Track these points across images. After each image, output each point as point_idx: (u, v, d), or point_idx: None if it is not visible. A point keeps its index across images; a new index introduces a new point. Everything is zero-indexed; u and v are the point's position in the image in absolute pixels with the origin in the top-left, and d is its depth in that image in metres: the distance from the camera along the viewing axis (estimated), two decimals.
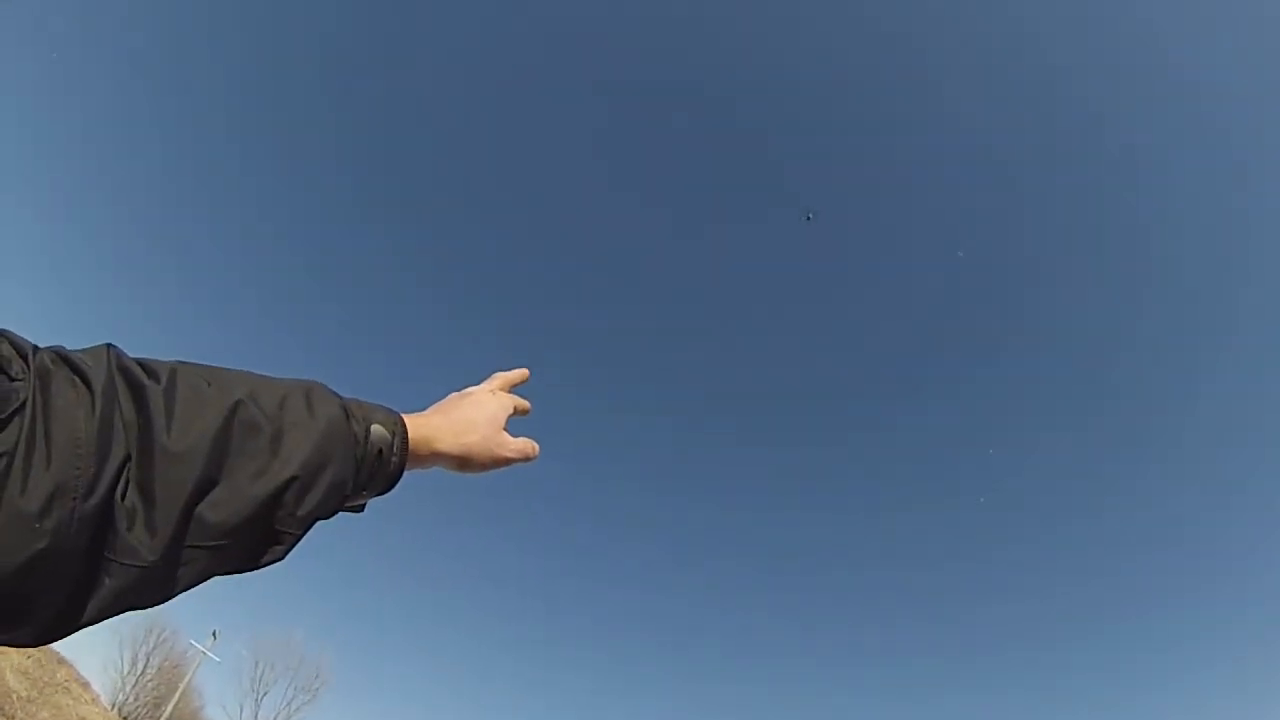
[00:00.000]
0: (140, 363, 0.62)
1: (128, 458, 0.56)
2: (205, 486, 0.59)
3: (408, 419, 0.81)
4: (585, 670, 61.12)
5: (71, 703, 25.04)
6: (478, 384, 1.01)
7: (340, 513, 0.75)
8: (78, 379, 0.56)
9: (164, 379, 0.61)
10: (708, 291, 72.22)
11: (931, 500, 68.18)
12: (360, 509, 0.81)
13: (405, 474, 0.81)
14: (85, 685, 27.83)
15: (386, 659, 56.02)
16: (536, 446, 0.97)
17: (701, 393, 72.31)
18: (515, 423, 1.00)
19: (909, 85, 63.18)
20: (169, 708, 32.88)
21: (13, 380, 0.52)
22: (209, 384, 0.64)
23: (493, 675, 57.26)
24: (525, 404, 1.03)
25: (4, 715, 20.16)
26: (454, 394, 0.97)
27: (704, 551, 68.62)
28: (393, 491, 0.81)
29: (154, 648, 37.31)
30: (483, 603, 61.95)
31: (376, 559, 58.21)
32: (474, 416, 0.91)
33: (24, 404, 0.51)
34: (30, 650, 23.03)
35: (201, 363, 0.67)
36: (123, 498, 0.56)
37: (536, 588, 64.49)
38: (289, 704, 38.73)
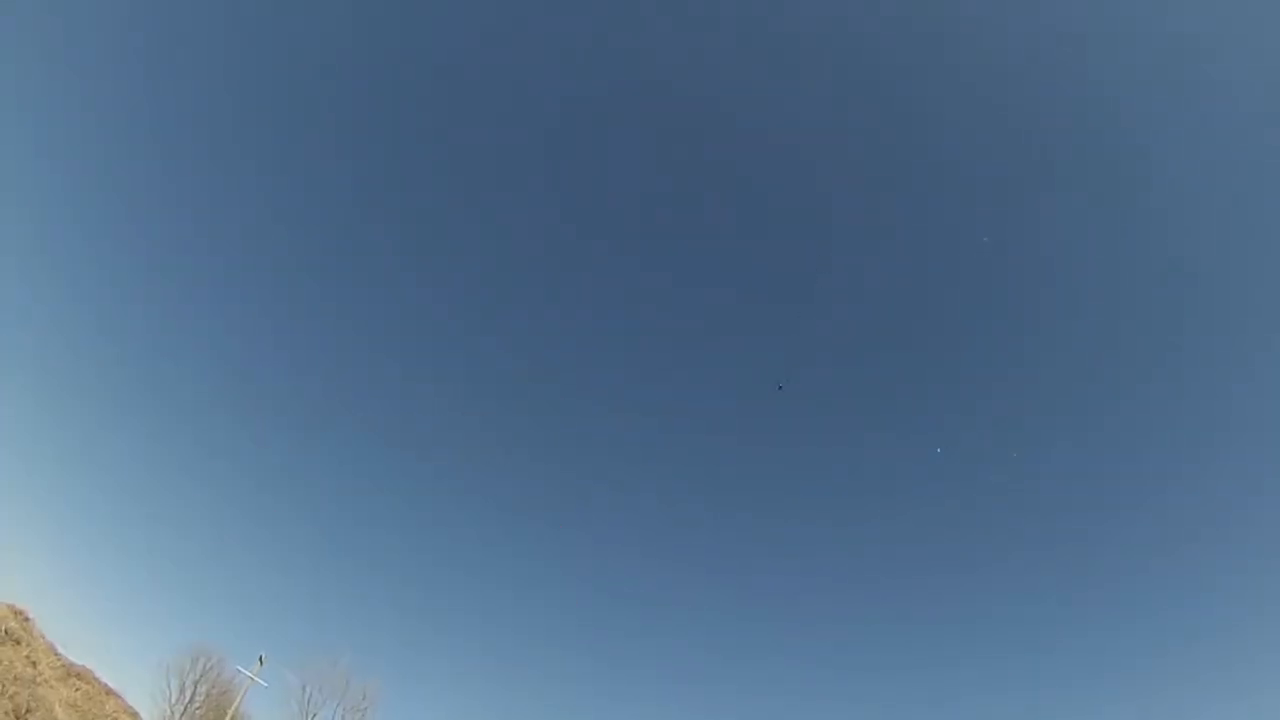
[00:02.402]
0: None
1: None
2: None
3: None
4: (605, 670, 60.50)
5: None
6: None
7: None
8: None
9: None
10: (706, 291, 71.40)
11: (931, 501, 66.18)
12: None
13: None
14: (135, 715, 28.14)
15: (431, 674, 56.03)
16: None
17: (704, 393, 71.37)
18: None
19: (911, 85, 61.96)
20: None
21: None
22: None
23: (526, 686, 56.84)
24: None
25: None
26: None
27: (710, 554, 67.50)
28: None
29: (201, 675, 37.74)
30: (512, 615, 61.68)
31: (413, 576, 58.43)
32: None
33: None
34: (78, 683, 23.30)
35: None
36: None
37: (563, 598, 64.05)
38: None
